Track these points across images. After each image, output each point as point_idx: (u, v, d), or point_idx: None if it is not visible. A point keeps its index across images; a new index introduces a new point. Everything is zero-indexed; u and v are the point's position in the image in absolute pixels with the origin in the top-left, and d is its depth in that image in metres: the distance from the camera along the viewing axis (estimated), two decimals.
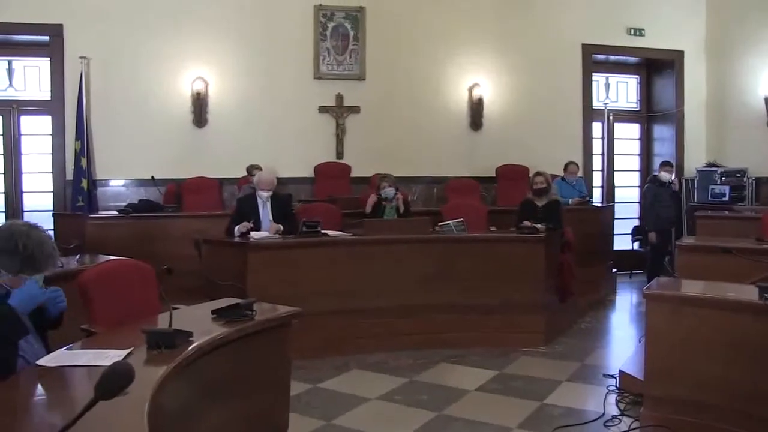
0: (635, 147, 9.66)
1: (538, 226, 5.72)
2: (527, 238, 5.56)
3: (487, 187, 8.48)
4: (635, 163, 9.66)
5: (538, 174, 6.23)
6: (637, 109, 9.62)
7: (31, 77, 7.82)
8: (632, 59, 9.32)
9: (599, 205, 8.53)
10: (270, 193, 5.63)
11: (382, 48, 8.23)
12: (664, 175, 7.38)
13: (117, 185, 7.71)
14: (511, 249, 5.53)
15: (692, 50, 9.10)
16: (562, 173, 7.88)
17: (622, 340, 5.86)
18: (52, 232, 6.88)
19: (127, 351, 2.38)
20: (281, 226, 5.46)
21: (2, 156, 7.74)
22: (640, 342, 4.62)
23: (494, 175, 8.43)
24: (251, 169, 7.01)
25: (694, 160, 8.99)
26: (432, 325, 5.36)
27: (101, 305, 3.11)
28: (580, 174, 8.18)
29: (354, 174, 8.13)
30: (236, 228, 5.33)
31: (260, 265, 4.93)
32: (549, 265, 5.60)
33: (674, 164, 7.87)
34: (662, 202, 7.37)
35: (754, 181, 8.24)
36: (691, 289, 3.79)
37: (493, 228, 6.41)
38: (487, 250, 5.52)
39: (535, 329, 5.42)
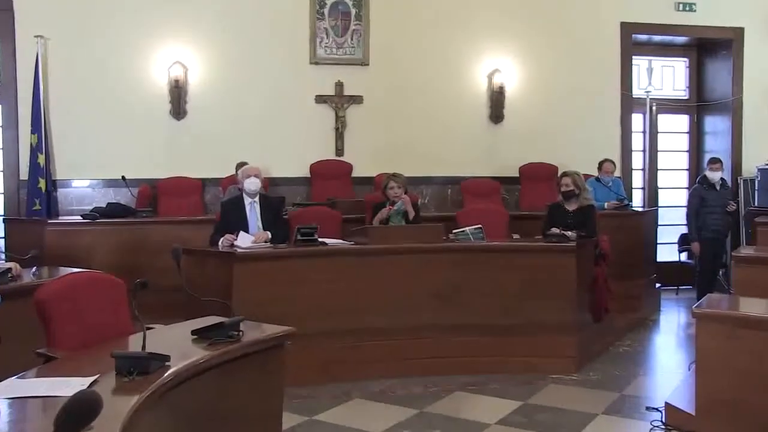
0: (683, 142, 9.63)
1: (569, 233, 5.71)
2: (556, 248, 5.54)
3: (509, 189, 8.47)
4: (683, 160, 9.63)
5: (564, 175, 6.21)
6: (686, 97, 9.58)
7: None
8: (680, 39, 9.29)
9: (640, 209, 8.50)
10: (258, 182, 5.64)
11: (388, 28, 8.23)
12: (711, 174, 7.35)
13: (81, 186, 7.72)
14: (538, 260, 5.51)
15: (754, 27, 9.03)
16: (596, 172, 7.86)
17: (668, 368, 5.83)
18: (2, 241, 6.91)
19: (92, 378, 2.37)
20: (269, 234, 5.47)
21: None
22: (689, 370, 4.59)
23: (517, 174, 8.42)
24: (239, 168, 7.00)
25: (755, 157, 8.91)
26: (446, 348, 5.35)
27: (62, 326, 3.10)
28: (617, 173, 8.16)
29: (356, 173, 8.13)
30: (220, 241, 5.33)
31: (248, 278, 4.93)
32: (581, 279, 5.58)
33: (723, 161, 7.79)
34: (710, 207, 7.33)
35: None
36: (750, 309, 3.76)
37: (516, 236, 6.40)
38: (510, 261, 5.51)
39: (565, 353, 5.40)
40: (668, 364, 5.97)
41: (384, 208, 5.98)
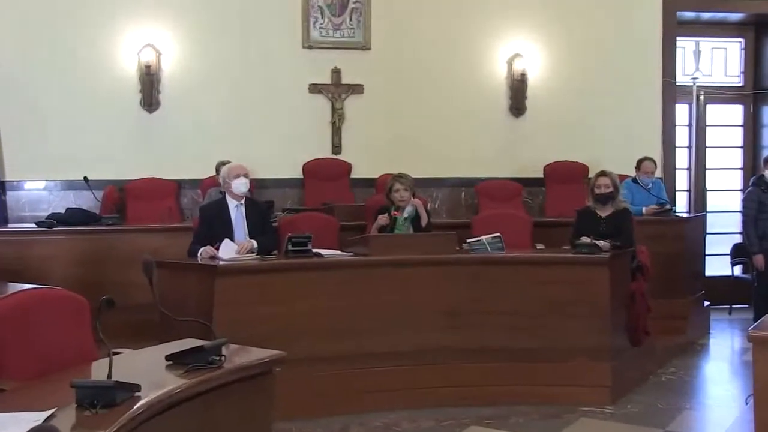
0: (736, 137, 9.62)
1: (601, 243, 5.71)
2: (586, 260, 5.55)
3: (532, 192, 8.49)
4: (736, 158, 9.62)
5: (602, 174, 6.22)
6: (740, 84, 9.57)
7: None
8: (734, 16, 9.30)
9: (685, 215, 8.50)
10: (247, 181, 5.66)
11: (392, 7, 8.27)
12: None
13: (35, 189, 7.75)
14: (565, 274, 5.53)
15: None
16: (633, 173, 7.85)
17: (721, 400, 5.81)
18: None
19: (48, 413, 2.36)
20: (255, 243, 5.48)
21: None
22: (747, 404, 4.57)
23: (542, 175, 8.44)
24: (221, 167, 7.01)
25: None
26: (460, 376, 5.36)
27: (13, 351, 3.09)
28: (658, 174, 8.15)
29: (355, 174, 8.16)
30: (199, 253, 5.35)
31: (232, 295, 4.94)
32: (616, 297, 5.58)
33: None
34: None
35: None
36: None
37: (540, 246, 6.41)
38: (533, 275, 5.52)
39: (598, 382, 5.40)
40: (720, 397, 5.95)
41: (382, 215, 5.96)
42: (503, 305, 5.42)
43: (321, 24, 8.17)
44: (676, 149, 9.08)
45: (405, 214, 6.01)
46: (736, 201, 9.30)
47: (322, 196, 7.67)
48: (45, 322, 3.27)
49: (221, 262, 5.15)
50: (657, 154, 8.48)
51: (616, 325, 5.61)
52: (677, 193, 9.06)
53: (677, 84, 9.01)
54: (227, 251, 5.32)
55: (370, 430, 4.91)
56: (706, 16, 9.23)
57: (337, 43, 8.21)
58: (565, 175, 8.33)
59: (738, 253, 8.63)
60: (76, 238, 6.73)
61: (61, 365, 3.06)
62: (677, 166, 9.11)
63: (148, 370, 2.92)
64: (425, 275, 5.42)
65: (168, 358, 3.02)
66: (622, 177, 7.17)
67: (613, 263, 5.55)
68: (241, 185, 5.64)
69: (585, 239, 5.80)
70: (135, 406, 2.47)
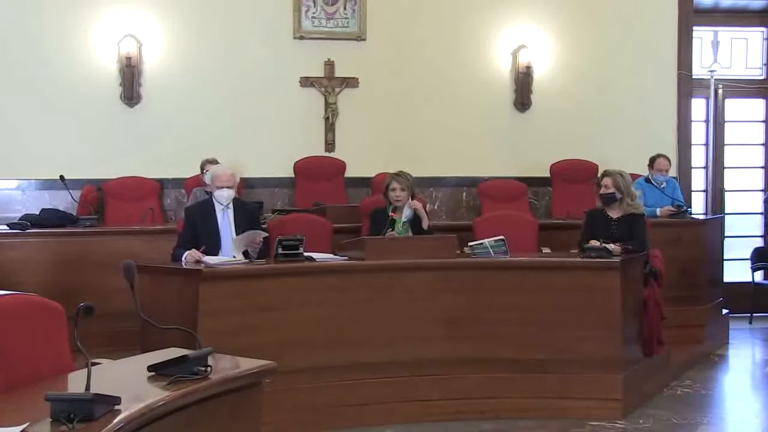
0: (758, 133, 9.63)
1: (612, 247, 5.72)
2: (596, 265, 5.55)
3: (538, 192, 8.51)
4: (758, 156, 9.63)
5: (605, 174, 6.21)
6: (762, 77, 9.58)
7: None
8: (756, 3, 9.31)
9: (702, 217, 8.52)
10: (231, 192, 5.67)
11: None
12: None
13: (8, 188, 7.76)
14: (574, 280, 5.53)
15: None
16: (645, 171, 7.86)
17: (741, 415, 5.81)
18: None
19: (20, 428, 2.36)
20: (263, 234, 5.47)
21: None
22: None
23: (548, 174, 8.45)
24: (206, 166, 7.04)
25: None
26: (461, 388, 5.37)
27: None
28: (672, 173, 8.16)
29: (350, 173, 8.18)
30: (183, 256, 5.35)
31: (218, 301, 4.94)
32: (628, 304, 5.60)
33: None
34: None
35: None
36: None
37: (546, 250, 6.42)
38: (539, 281, 5.53)
39: (609, 395, 5.41)
40: (740, 411, 5.94)
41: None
42: (507, 313, 5.43)
43: (313, 13, 8.17)
44: (693, 147, 9.08)
45: (403, 218, 6.02)
46: (757, 202, 9.33)
47: (314, 196, 7.66)
48: (17, 330, 3.26)
49: (206, 267, 5.16)
50: (672, 152, 8.48)
51: (628, 335, 5.61)
52: (693, 193, 9.07)
53: (694, 77, 9.00)
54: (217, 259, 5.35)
55: None
56: (726, 3, 9.24)
57: (331, 33, 8.22)
58: (573, 174, 8.34)
59: (759, 258, 8.65)
60: (51, 241, 6.72)
61: (35, 377, 3.06)
62: (693, 165, 9.11)
63: (128, 382, 2.92)
64: (424, 281, 5.44)
65: (150, 368, 3.03)
66: (634, 176, 7.18)
67: (624, 268, 5.55)
68: (222, 199, 5.65)
69: (595, 243, 5.78)
70: (114, 421, 2.47)
